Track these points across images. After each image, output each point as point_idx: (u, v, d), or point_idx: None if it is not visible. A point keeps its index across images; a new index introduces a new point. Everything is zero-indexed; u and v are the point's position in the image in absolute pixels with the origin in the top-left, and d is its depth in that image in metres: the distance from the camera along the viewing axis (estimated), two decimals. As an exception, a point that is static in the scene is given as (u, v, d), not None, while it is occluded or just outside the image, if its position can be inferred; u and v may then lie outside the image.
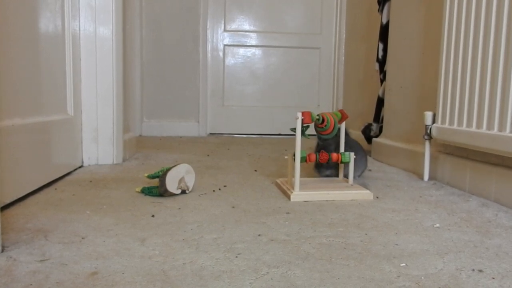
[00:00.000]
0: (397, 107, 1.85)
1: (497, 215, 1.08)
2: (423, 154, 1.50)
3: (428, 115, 1.44)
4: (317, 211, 1.09)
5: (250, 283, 0.67)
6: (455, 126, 1.31)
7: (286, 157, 1.29)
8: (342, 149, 1.32)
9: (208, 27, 2.94)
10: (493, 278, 0.71)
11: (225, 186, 1.35)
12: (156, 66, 2.90)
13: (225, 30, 2.99)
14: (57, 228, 0.90)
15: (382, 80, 2.02)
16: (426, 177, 1.49)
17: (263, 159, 1.93)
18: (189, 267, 0.72)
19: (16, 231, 0.88)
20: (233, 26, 3.00)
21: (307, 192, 1.20)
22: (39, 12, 1.27)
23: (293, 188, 1.21)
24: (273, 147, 2.38)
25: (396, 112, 1.85)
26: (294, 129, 1.19)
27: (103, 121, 1.66)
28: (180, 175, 1.21)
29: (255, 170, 1.63)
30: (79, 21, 1.60)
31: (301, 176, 1.23)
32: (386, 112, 1.95)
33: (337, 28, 2.99)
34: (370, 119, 2.16)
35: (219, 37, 2.99)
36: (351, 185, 1.28)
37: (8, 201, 1.05)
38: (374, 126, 2.06)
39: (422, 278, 0.70)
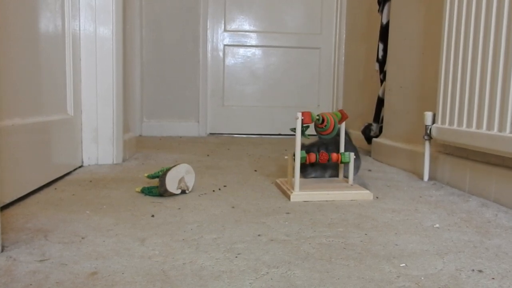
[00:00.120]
0: (397, 107, 1.85)
1: (497, 215, 1.08)
2: (423, 154, 1.50)
3: (428, 115, 1.44)
4: (317, 211, 1.09)
5: (250, 283, 0.67)
6: (455, 126, 1.31)
7: (286, 157, 1.29)
8: (342, 149, 1.32)
9: (208, 27, 2.94)
10: (493, 278, 0.71)
11: (225, 186, 1.35)
12: (156, 66, 2.90)
13: (225, 30, 2.99)
14: (57, 228, 0.90)
15: (382, 80, 2.02)
16: (426, 177, 1.49)
17: (263, 159, 1.93)
18: (189, 267, 0.72)
19: (16, 231, 0.88)
20: (233, 26, 3.00)
21: (307, 192, 1.20)
22: (39, 12, 1.27)
23: (293, 188, 1.21)
24: (273, 147, 2.38)
25: (396, 112, 1.85)
26: (294, 129, 1.19)
27: (103, 121, 1.66)
28: (180, 175, 1.21)
29: (255, 170, 1.63)
30: (79, 21, 1.60)
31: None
32: (386, 112, 1.95)
33: (337, 28, 2.99)
34: (370, 119, 2.16)
35: (219, 37, 2.99)
36: (351, 185, 1.28)
37: (8, 201, 1.06)
38: (374, 126, 2.06)
39: (422, 278, 0.70)
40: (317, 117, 1.22)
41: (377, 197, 1.24)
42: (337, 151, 1.30)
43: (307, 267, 0.73)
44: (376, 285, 0.67)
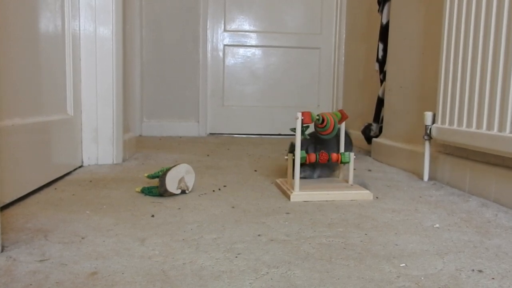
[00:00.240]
0: (397, 107, 1.85)
1: (497, 215, 1.08)
2: (423, 154, 1.50)
3: (428, 115, 1.44)
4: (317, 211, 1.09)
5: (250, 283, 0.67)
6: (455, 126, 1.31)
7: (286, 157, 1.29)
8: (342, 149, 1.32)
9: (208, 27, 2.94)
10: (493, 278, 0.71)
11: (225, 186, 1.35)
12: (156, 66, 2.90)
13: (225, 30, 2.99)
14: (57, 228, 0.90)
15: (382, 80, 2.02)
16: (426, 177, 1.49)
17: (263, 159, 1.93)
18: (189, 267, 0.72)
19: (16, 231, 0.88)
20: (233, 26, 3.00)
21: (307, 192, 1.20)
22: (39, 12, 1.27)
23: (293, 188, 1.21)
24: (273, 147, 2.38)
25: (396, 112, 1.85)
26: (294, 129, 1.19)
27: (103, 121, 1.66)
28: (180, 175, 1.21)
29: (255, 170, 1.63)
30: (79, 21, 1.60)
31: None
32: (386, 112, 1.95)
33: (337, 28, 2.99)
34: (370, 119, 2.16)
35: (219, 37, 2.99)
36: (351, 185, 1.28)
37: (8, 201, 1.06)
38: (374, 126, 2.06)
39: (422, 278, 0.70)
40: (317, 117, 1.22)
41: (377, 197, 1.24)
42: (326, 149, 1.30)
43: (307, 267, 0.73)
44: (376, 285, 0.67)
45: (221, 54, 3.00)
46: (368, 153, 2.12)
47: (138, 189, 1.23)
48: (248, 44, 3.01)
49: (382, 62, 2.02)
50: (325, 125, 1.23)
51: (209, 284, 0.66)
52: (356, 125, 2.39)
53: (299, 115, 1.17)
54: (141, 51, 2.86)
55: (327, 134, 1.25)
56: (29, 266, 0.71)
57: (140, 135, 2.86)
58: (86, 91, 1.63)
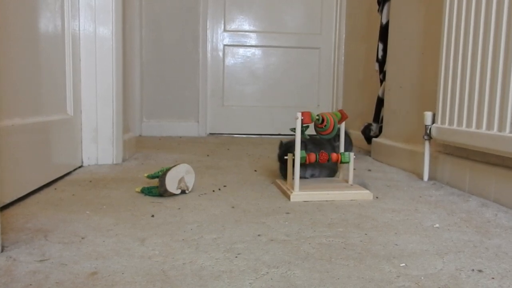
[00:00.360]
0: (397, 107, 1.85)
1: (497, 215, 1.08)
2: (423, 154, 1.50)
3: (428, 115, 1.44)
4: (317, 211, 1.09)
5: (250, 283, 0.67)
6: (454, 126, 1.31)
7: (286, 157, 1.29)
8: (342, 149, 1.32)
9: (208, 27, 2.94)
10: (493, 278, 0.71)
11: (225, 186, 1.35)
12: (156, 66, 2.90)
13: (225, 30, 2.99)
14: (57, 228, 0.90)
15: (382, 80, 2.02)
16: (425, 177, 1.49)
17: (263, 159, 1.93)
18: (189, 267, 0.72)
19: (16, 231, 0.88)
20: (233, 26, 3.00)
21: (307, 192, 1.20)
22: (39, 12, 1.27)
23: (293, 188, 1.21)
24: (273, 147, 2.38)
25: (396, 112, 1.85)
26: (294, 129, 1.19)
27: (103, 121, 1.66)
28: (180, 175, 1.21)
29: (255, 170, 1.63)
30: (79, 21, 1.60)
31: (301, 176, 1.23)
32: (386, 112, 1.95)
33: (337, 28, 2.99)
34: (370, 119, 2.16)
35: (219, 37, 2.99)
36: (351, 185, 1.28)
37: (8, 201, 1.06)
38: (374, 126, 2.06)
39: (422, 278, 0.70)
40: (317, 117, 1.22)
41: (377, 197, 1.24)
42: (317, 149, 1.30)
43: (307, 267, 0.73)
44: (376, 285, 0.67)
45: (221, 54, 3.00)
46: (368, 153, 2.12)
47: (138, 189, 1.23)
48: (248, 44, 3.01)
49: (382, 62, 2.02)
50: (325, 125, 1.23)
51: (209, 284, 0.66)
52: (356, 125, 2.39)
53: (299, 115, 1.17)
54: (141, 51, 2.86)
55: (327, 134, 1.24)
56: (29, 266, 0.71)
57: (140, 135, 2.86)
58: (86, 91, 1.63)
